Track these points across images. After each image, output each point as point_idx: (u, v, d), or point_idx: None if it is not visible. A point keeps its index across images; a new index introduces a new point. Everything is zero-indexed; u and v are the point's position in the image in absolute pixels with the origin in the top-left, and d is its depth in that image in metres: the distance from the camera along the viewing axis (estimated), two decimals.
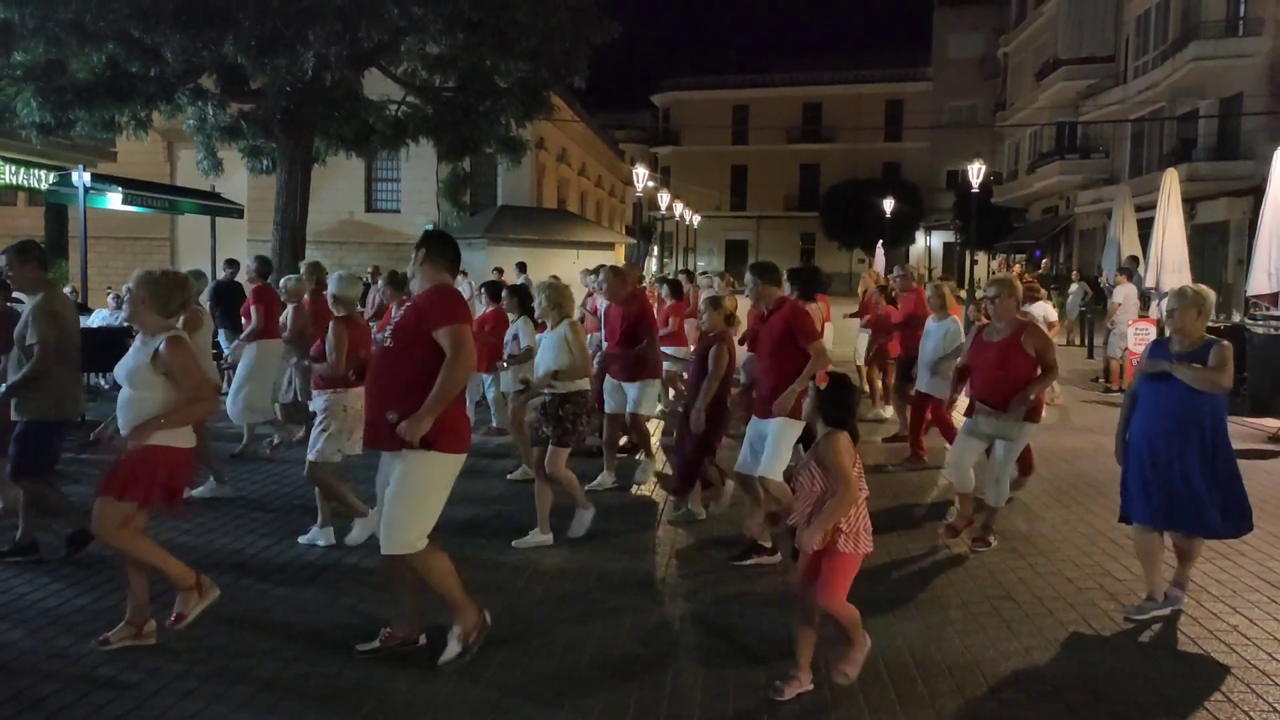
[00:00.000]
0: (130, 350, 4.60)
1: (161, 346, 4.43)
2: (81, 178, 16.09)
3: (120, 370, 4.55)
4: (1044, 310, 11.96)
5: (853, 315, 12.57)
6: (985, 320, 6.76)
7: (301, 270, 9.89)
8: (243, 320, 9.17)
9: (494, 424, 10.25)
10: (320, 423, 6.17)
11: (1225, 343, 5.12)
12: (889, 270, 20.37)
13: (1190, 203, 20.75)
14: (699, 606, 5.25)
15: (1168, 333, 5.30)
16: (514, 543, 6.24)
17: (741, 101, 58.75)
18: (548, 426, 6.33)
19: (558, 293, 6.60)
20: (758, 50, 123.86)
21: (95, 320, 12.62)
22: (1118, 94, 32.12)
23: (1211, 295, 5.32)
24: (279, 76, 13.13)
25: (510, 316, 8.40)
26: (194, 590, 4.63)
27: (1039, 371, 6.13)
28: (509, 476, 8.11)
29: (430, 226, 30.20)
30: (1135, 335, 12.57)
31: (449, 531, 5.32)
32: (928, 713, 4.07)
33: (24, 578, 5.51)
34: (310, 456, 6.15)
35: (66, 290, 15.71)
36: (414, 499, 4.29)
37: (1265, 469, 8.90)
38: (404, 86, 16.18)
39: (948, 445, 8.76)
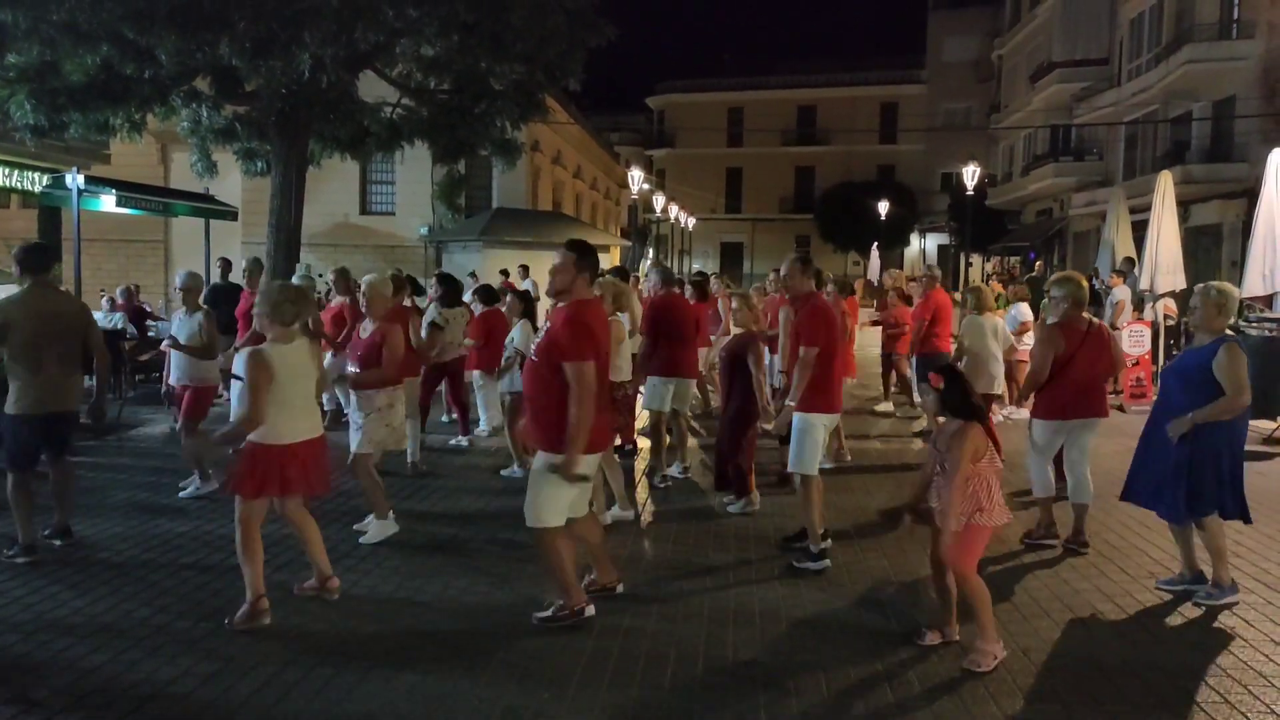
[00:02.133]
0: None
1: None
2: (75, 180, 16.02)
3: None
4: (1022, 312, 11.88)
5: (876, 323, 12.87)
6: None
7: (331, 274, 10.14)
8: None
9: (482, 427, 10.23)
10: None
11: (1231, 344, 5.19)
12: (884, 270, 20.45)
13: (1184, 205, 20.78)
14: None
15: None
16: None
17: (736, 104, 58.77)
18: None
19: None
20: (752, 53, 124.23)
21: None
22: (1112, 96, 32.19)
23: (1235, 293, 5.43)
24: (274, 79, 13.07)
25: (512, 319, 8.39)
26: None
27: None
28: (503, 473, 8.28)
29: (425, 230, 30.22)
30: (1130, 338, 12.57)
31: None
32: (924, 710, 4.08)
33: (18, 581, 5.50)
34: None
35: None
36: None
37: (1261, 470, 8.91)
38: (399, 89, 16.11)
39: None
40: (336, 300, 10.27)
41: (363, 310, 6.78)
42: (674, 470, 8.30)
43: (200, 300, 8.16)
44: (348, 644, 4.67)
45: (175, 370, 7.77)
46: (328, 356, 10.22)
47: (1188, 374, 5.27)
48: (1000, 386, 9.10)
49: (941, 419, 4.69)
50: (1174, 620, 5.17)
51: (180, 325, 7.72)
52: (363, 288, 6.70)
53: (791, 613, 5.19)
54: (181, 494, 7.44)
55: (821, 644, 4.77)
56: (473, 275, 17.05)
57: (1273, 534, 6.70)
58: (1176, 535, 5.60)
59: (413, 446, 8.33)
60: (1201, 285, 5.44)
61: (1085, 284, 6.34)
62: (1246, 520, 5.44)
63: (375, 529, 6.39)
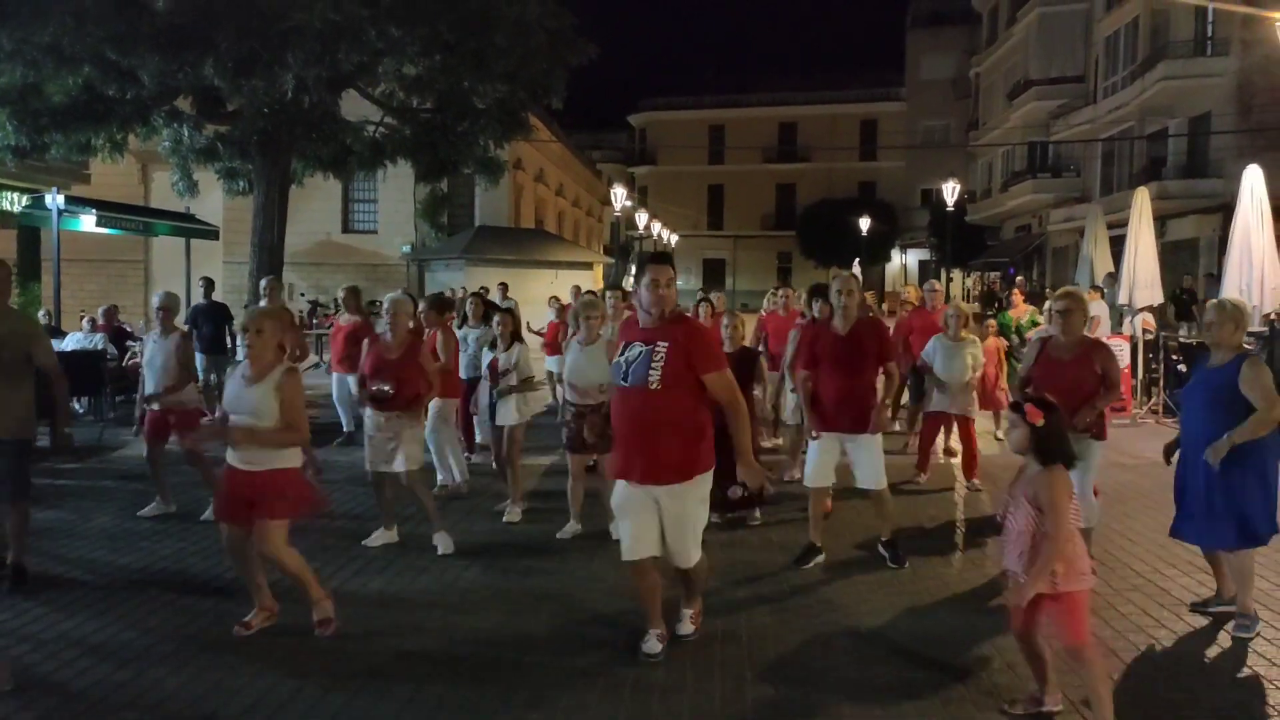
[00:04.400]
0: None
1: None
2: (55, 200, 15.96)
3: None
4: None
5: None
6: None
7: (341, 293, 10.07)
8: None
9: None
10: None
11: (1253, 358, 5.12)
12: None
13: (1160, 220, 21.03)
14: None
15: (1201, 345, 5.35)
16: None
17: (718, 121, 59.15)
18: (592, 434, 6.64)
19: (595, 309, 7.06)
20: (733, 71, 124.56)
21: (69, 344, 12.47)
22: (1088, 114, 32.59)
23: (1248, 307, 5.37)
24: (256, 98, 13.08)
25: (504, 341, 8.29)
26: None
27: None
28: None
29: (408, 248, 30.21)
30: None
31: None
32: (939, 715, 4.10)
33: (2, 604, 5.43)
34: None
35: (40, 314, 15.59)
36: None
37: None
38: (382, 108, 16.14)
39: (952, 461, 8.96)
40: (347, 319, 10.31)
41: (379, 330, 6.69)
42: None
43: (181, 320, 8.08)
44: (332, 668, 4.65)
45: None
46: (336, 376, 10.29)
47: (1215, 394, 5.07)
48: (974, 410, 9.10)
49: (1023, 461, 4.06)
50: (1178, 642, 5.12)
51: (156, 348, 7.44)
52: (386, 305, 6.65)
53: (782, 643, 5.20)
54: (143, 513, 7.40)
55: (813, 670, 4.78)
56: (483, 290, 16.92)
57: (1264, 553, 6.70)
58: (1213, 560, 5.40)
59: (459, 468, 8.36)
60: (1215, 300, 5.35)
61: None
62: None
63: (443, 540, 6.56)
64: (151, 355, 7.45)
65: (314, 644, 4.91)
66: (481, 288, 16.65)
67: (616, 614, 5.29)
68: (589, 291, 13.28)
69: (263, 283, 10.04)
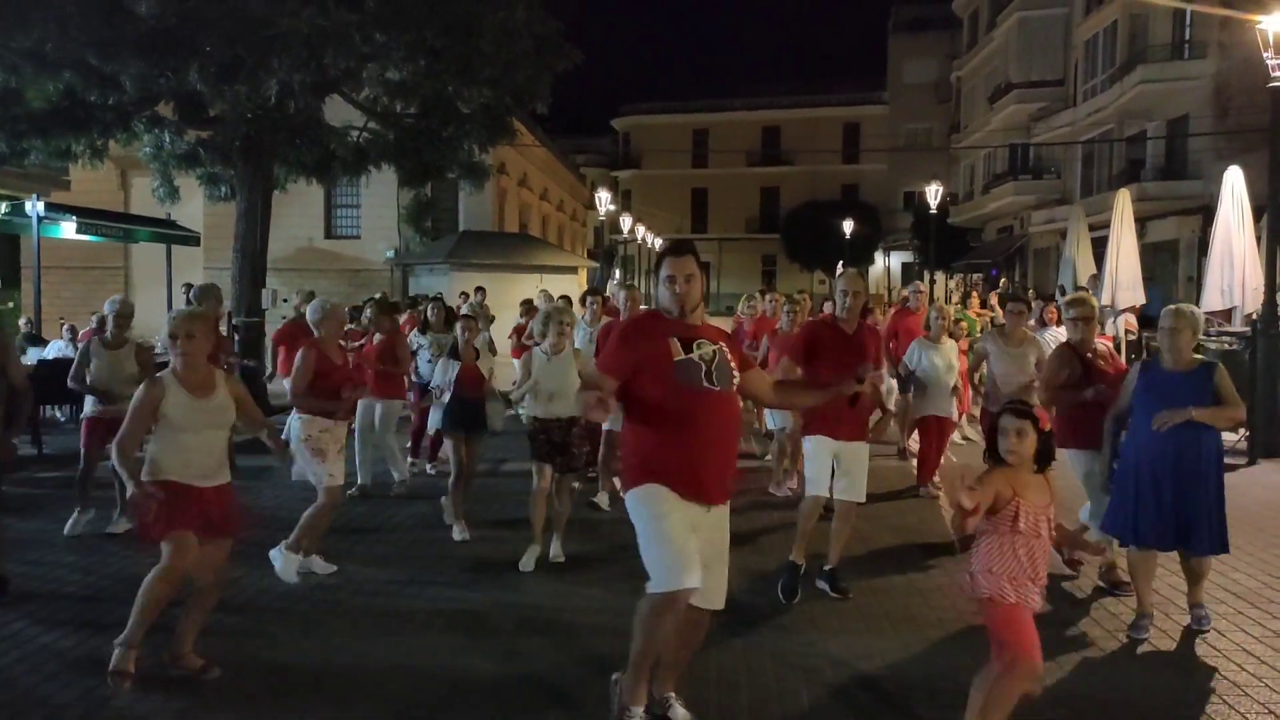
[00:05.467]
0: None
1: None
2: (35, 208, 15.80)
3: None
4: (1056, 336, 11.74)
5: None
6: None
7: (297, 296, 9.95)
8: None
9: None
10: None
11: (1222, 366, 5.18)
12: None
13: (1140, 222, 21.17)
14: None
15: (1162, 351, 5.28)
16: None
17: (701, 125, 59.30)
18: (559, 453, 6.40)
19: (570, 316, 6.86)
20: (717, 75, 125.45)
21: (50, 352, 12.36)
22: (1068, 116, 32.81)
23: (1202, 314, 5.39)
24: (240, 103, 12.98)
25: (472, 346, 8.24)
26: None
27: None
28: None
29: (392, 253, 30.07)
30: None
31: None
32: None
33: None
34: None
35: (22, 322, 15.44)
36: None
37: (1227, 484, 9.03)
38: (366, 113, 16.04)
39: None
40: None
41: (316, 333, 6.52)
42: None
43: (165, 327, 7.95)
44: (322, 677, 4.61)
45: (100, 400, 7.24)
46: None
47: (1186, 401, 5.02)
48: (953, 412, 9.13)
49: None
50: (1170, 643, 5.18)
51: (103, 360, 7.19)
52: (321, 311, 6.50)
53: (782, 654, 5.18)
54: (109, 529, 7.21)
55: (814, 680, 4.76)
56: (464, 296, 16.84)
57: (1239, 545, 6.78)
58: (1146, 571, 5.27)
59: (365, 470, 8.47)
60: (1173, 307, 5.28)
61: (1094, 304, 6.36)
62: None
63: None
64: (98, 365, 7.23)
65: (301, 657, 4.87)
66: (461, 294, 16.61)
67: (614, 627, 5.26)
68: (563, 297, 13.24)
69: (192, 291, 9.79)
